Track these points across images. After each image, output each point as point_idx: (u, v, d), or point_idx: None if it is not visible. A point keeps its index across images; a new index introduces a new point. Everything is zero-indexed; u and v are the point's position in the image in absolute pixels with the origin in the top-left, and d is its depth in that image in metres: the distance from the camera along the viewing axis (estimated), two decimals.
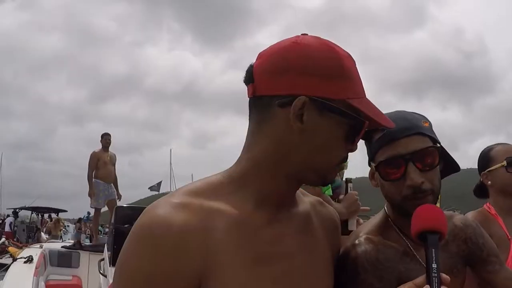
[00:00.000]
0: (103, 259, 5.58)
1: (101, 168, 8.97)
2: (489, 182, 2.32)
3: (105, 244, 6.12)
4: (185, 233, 0.91)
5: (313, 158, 1.01)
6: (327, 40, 1.04)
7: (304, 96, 0.97)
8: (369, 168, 1.39)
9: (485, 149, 2.41)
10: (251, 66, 1.05)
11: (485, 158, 2.36)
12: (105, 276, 5.12)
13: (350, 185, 2.59)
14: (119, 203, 8.86)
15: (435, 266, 1.02)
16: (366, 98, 1.05)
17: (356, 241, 1.32)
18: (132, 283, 0.90)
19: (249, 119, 1.07)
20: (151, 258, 0.89)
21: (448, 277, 1.03)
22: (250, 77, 1.04)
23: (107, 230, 12.80)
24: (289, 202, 1.11)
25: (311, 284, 1.08)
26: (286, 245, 1.05)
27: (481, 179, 2.36)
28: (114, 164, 9.26)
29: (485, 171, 2.33)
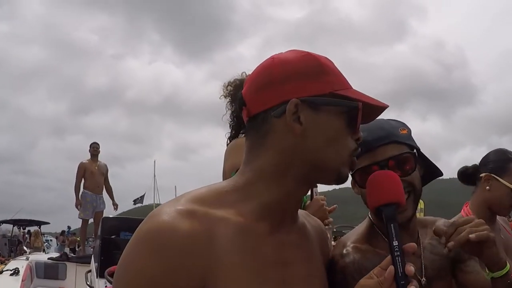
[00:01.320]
0: (90, 271, 5.53)
1: (89, 178, 8.90)
2: (488, 188, 2.18)
3: (92, 256, 6.07)
4: (190, 239, 0.92)
5: (321, 154, 1.04)
6: (302, 50, 1.10)
7: (295, 99, 1.01)
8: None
9: (506, 153, 2.22)
10: (240, 93, 1.10)
11: (500, 164, 2.19)
12: None
13: (315, 189, 2.47)
14: (114, 213, 8.82)
15: (396, 243, 0.99)
16: (353, 89, 1.09)
17: (344, 251, 1.33)
18: (135, 285, 0.90)
19: (246, 139, 1.11)
20: (155, 262, 0.89)
21: (413, 244, 1.02)
22: (241, 103, 1.09)
23: (90, 242, 12.67)
24: (292, 211, 1.13)
25: None
26: (288, 254, 1.07)
27: (482, 175, 2.21)
28: (103, 174, 9.16)
29: (492, 174, 2.18)
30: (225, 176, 2.48)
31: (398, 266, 0.97)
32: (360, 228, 1.45)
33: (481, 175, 2.22)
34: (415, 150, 1.40)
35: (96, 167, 9.03)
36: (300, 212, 1.24)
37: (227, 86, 2.53)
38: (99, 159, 9.25)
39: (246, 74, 2.56)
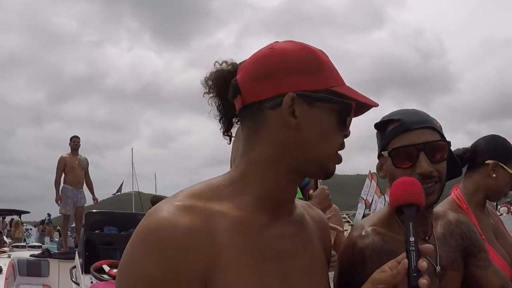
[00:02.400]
0: (74, 267, 5.46)
1: (69, 173, 8.77)
2: (494, 175, 2.17)
3: (76, 252, 5.99)
4: (190, 235, 0.92)
5: (313, 148, 1.06)
6: (300, 42, 1.11)
7: (292, 93, 1.02)
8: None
9: (506, 141, 2.25)
10: (235, 80, 1.10)
11: (505, 151, 2.21)
12: (78, 284, 5.00)
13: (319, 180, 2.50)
14: (95, 208, 8.74)
15: (413, 239, 1.04)
16: (347, 85, 1.11)
17: (363, 232, 1.37)
18: (139, 286, 0.90)
19: (242, 129, 1.11)
20: (157, 260, 0.90)
21: (430, 245, 1.07)
22: (236, 90, 1.08)
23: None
24: (289, 203, 1.14)
25: (311, 283, 1.11)
26: (287, 245, 1.08)
27: (488, 162, 2.18)
28: (84, 168, 9.04)
29: (499, 163, 2.18)
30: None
31: (412, 260, 1.01)
32: (379, 213, 1.49)
33: (487, 161, 2.19)
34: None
35: (77, 161, 8.91)
36: (300, 203, 1.25)
37: (207, 82, 2.51)
38: (79, 152, 9.13)
39: (219, 63, 2.48)
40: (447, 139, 1.44)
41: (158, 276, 0.89)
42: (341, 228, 2.58)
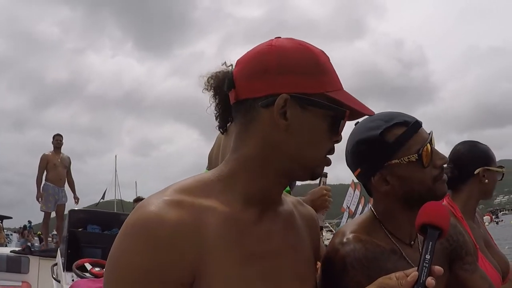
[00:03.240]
0: (55, 264, 5.40)
1: (51, 170, 8.73)
2: (486, 181, 2.26)
3: (58, 249, 5.93)
4: (179, 229, 0.93)
5: (301, 152, 1.06)
6: (300, 40, 1.10)
7: (285, 94, 1.01)
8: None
9: (481, 144, 2.34)
10: (231, 73, 1.10)
11: (487, 155, 2.29)
12: (59, 282, 4.95)
13: (324, 179, 2.50)
14: (75, 207, 8.67)
15: (429, 257, 1.05)
16: (344, 90, 1.10)
17: (345, 239, 1.34)
18: (127, 278, 0.90)
19: (235, 124, 1.12)
20: (146, 253, 0.90)
21: (441, 268, 1.05)
22: (231, 84, 1.08)
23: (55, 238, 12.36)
24: (276, 201, 1.14)
25: (298, 281, 1.12)
26: (274, 242, 1.08)
27: (478, 171, 2.25)
28: (66, 167, 9.00)
29: (485, 167, 2.26)
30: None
31: (422, 275, 1.03)
32: (361, 219, 1.46)
33: (476, 171, 2.26)
34: None
35: (59, 159, 8.88)
36: (291, 199, 1.26)
37: (207, 79, 2.50)
38: (62, 151, 9.06)
39: (226, 65, 2.49)
40: None
41: (146, 267, 0.90)
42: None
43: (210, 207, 0.99)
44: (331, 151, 1.11)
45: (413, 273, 1.02)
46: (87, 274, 4.49)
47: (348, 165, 1.47)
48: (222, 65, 2.57)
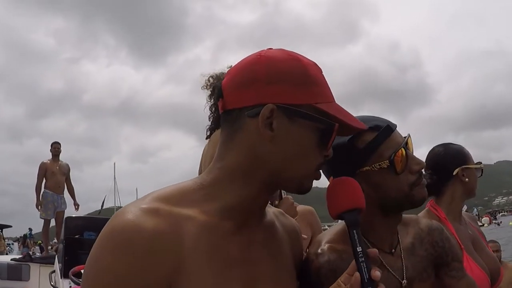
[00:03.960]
0: (54, 271, 5.49)
1: (50, 178, 8.79)
2: (467, 179, 2.24)
3: (56, 256, 6.03)
4: (155, 238, 0.92)
5: (288, 165, 1.02)
6: (292, 52, 1.07)
7: (272, 104, 0.98)
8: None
9: (454, 145, 2.34)
10: (220, 83, 1.08)
11: (462, 154, 2.29)
12: None
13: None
14: (76, 213, 8.75)
15: (360, 249, 0.99)
16: (335, 103, 1.07)
17: (319, 250, 1.29)
18: (103, 285, 0.89)
19: (221, 132, 1.09)
20: (122, 260, 0.89)
21: (375, 250, 1.03)
22: (219, 94, 1.06)
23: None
24: (258, 210, 1.11)
25: None
26: (254, 252, 1.07)
27: (457, 171, 2.24)
28: (65, 174, 9.05)
29: (463, 166, 2.24)
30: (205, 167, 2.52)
31: (364, 272, 0.97)
32: (336, 228, 1.38)
33: (455, 172, 2.26)
34: None
35: (58, 167, 8.93)
36: (273, 210, 1.24)
37: (208, 78, 2.48)
38: (60, 159, 9.17)
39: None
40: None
41: (123, 275, 0.89)
42: (305, 236, 2.65)
43: (188, 216, 0.98)
44: (322, 164, 1.06)
45: (354, 274, 0.98)
46: None
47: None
48: (228, 68, 2.62)
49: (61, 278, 4.94)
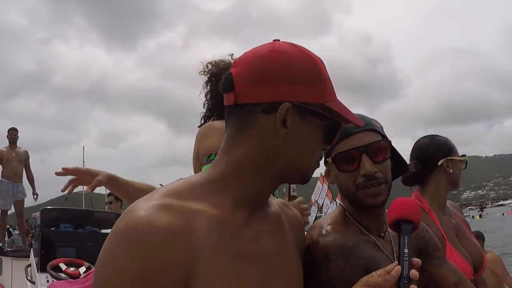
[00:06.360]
0: (29, 265, 5.31)
1: (6, 166, 8.59)
2: (451, 170, 2.33)
3: (31, 249, 5.83)
4: (170, 234, 0.92)
5: (296, 159, 1.08)
6: (301, 46, 1.10)
7: (288, 103, 1.02)
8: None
9: (440, 137, 2.42)
10: (230, 74, 1.08)
11: (447, 146, 2.37)
12: (33, 283, 4.86)
13: (293, 186, 2.56)
14: (34, 203, 8.57)
15: (407, 251, 1.09)
16: (338, 100, 1.12)
17: (323, 231, 1.39)
18: (119, 285, 0.88)
19: (228, 125, 1.11)
20: (138, 259, 0.89)
21: (419, 260, 1.10)
22: (230, 86, 1.06)
23: (16, 232, 12.10)
24: (264, 203, 1.16)
25: (287, 280, 1.13)
26: (264, 243, 1.09)
27: (441, 162, 2.33)
28: (22, 161, 8.83)
29: (448, 158, 2.33)
30: (197, 158, 2.43)
31: (405, 269, 1.06)
32: (334, 214, 1.52)
33: (439, 163, 2.33)
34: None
35: (14, 154, 8.72)
36: (277, 201, 1.27)
37: (207, 64, 2.42)
38: (19, 145, 8.95)
39: (231, 59, 2.42)
40: (392, 142, 1.48)
41: (138, 274, 0.88)
42: None
43: (199, 210, 0.99)
44: (321, 158, 1.15)
45: (396, 267, 1.05)
46: (62, 275, 4.44)
47: None
48: (229, 56, 2.55)
49: (38, 272, 4.75)
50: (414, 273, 1.05)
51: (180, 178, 1.15)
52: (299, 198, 2.50)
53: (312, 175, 1.15)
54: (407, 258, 1.08)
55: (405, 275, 1.06)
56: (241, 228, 1.05)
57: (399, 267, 1.06)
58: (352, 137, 1.41)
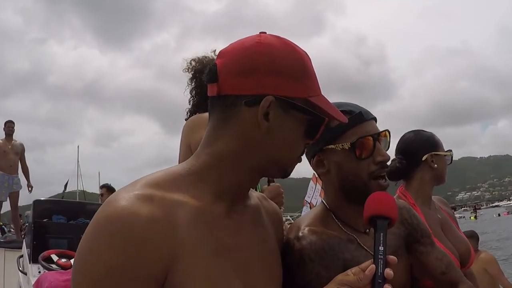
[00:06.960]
0: (21, 256, 5.33)
1: (1, 158, 8.58)
2: (435, 165, 2.33)
3: (24, 240, 5.85)
4: (151, 224, 0.91)
5: (277, 153, 1.07)
6: (287, 40, 1.10)
7: (271, 96, 1.02)
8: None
9: (425, 132, 2.43)
10: (214, 65, 1.07)
11: (432, 141, 2.37)
12: (25, 274, 4.87)
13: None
14: (29, 195, 8.60)
15: (382, 249, 1.07)
16: (322, 95, 1.12)
17: (300, 233, 1.36)
18: (99, 276, 0.87)
19: (210, 116, 1.10)
20: (117, 248, 0.88)
21: (395, 257, 1.08)
22: (214, 76, 1.06)
23: (11, 232, 12.09)
24: (245, 195, 1.15)
25: (268, 272, 1.14)
26: (244, 235, 1.09)
27: (425, 157, 2.33)
28: (18, 154, 8.85)
29: (432, 153, 2.34)
30: (187, 151, 2.45)
31: (380, 267, 1.05)
32: (313, 212, 1.50)
33: (423, 158, 2.34)
34: None
35: (10, 146, 8.74)
36: (256, 194, 1.27)
37: (190, 61, 2.46)
38: (15, 138, 8.96)
39: (214, 55, 2.47)
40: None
41: (117, 264, 0.87)
42: None
43: (180, 201, 0.98)
44: (303, 152, 1.14)
45: (370, 266, 1.04)
46: (54, 266, 4.47)
47: None
48: (212, 52, 2.55)
49: (29, 263, 4.77)
50: (388, 272, 1.03)
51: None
52: (277, 184, 2.49)
53: (293, 169, 1.14)
54: (382, 256, 1.06)
55: (379, 274, 1.04)
56: (222, 219, 1.05)
57: (373, 266, 1.04)
58: (367, 123, 1.41)
